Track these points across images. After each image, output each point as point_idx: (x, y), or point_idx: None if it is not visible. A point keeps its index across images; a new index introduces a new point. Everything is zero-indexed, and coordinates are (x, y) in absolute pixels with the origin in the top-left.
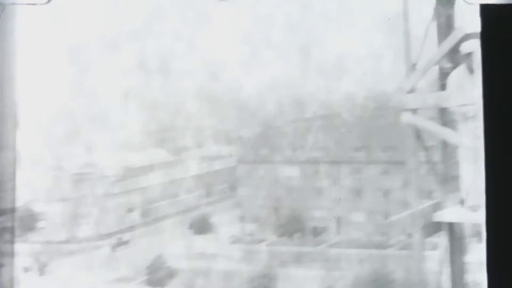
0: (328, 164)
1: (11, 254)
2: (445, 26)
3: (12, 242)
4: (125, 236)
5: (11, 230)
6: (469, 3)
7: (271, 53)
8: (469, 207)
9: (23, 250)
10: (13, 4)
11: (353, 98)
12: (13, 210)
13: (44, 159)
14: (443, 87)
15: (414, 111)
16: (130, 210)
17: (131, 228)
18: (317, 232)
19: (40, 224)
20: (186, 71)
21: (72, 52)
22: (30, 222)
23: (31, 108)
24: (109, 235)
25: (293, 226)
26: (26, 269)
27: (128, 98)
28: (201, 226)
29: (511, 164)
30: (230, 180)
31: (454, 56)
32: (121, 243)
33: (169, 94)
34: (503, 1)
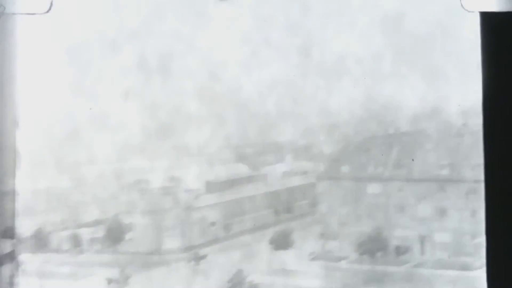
0: (412, 182)
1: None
2: None
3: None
4: (206, 250)
5: (101, 240)
6: (468, 11)
7: (271, 53)
8: None
9: (111, 261)
10: (13, 13)
11: (439, 113)
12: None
13: (126, 174)
14: None
15: None
16: (212, 224)
17: (213, 242)
18: (400, 251)
19: (128, 235)
20: (186, 71)
21: (72, 52)
22: (118, 233)
23: (31, 108)
24: (192, 248)
25: (375, 245)
26: (109, 281)
27: (128, 98)
28: (282, 242)
29: (511, 164)
30: (311, 197)
31: None
32: (201, 256)
33: (169, 94)
34: (503, 9)
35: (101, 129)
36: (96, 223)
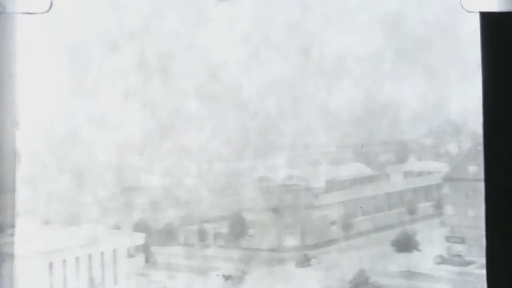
0: None
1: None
2: None
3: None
4: (326, 249)
5: (224, 236)
6: (468, 11)
7: (271, 53)
8: None
9: (232, 256)
10: (13, 13)
11: None
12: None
13: (248, 171)
14: None
15: None
16: (333, 223)
17: (333, 241)
18: None
19: (250, 231)
20: (186, 71)
21: (72, 52)
22: (241, 229)
23: (31, 108)
24: (312, 247)
25: None
26: (226, 277)
27: (128, 98)
28: (405, 244)
29: (511, 165)
30: (436, 198)
31: None
32: (321, 255)
33: (169, 94)
34: (503, 9)
35: (101, 129)
36: (220, 219)
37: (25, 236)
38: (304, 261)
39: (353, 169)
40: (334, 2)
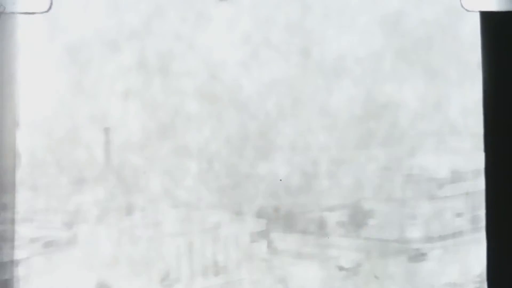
0: None
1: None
2: None
3: None
4: (451, 241)
5: (344, 225)
6: (468, 11)
7: (271, 53)
8: None
9: (349, 246)
10: (13, 12)
11: None
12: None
13: (374, 159)
14: None
15: None
16: (458, 215)
17: (459, 234)
18: None
19: (370, 221)
20: (186, 71)
21: (72, 52)
22: (361, 219)
23: (31, 108)
24: (435, 239)
25: None
26: (340, 268)
27: (128, 98)
28: None
29: (511, 165)
30: None
31: None
32: (445, 248)
33: (169, 94)
34: (503, 8)
35: (101, 129)
36: (340, 207)
37: (154, 219)
38: (424, 254)
39: (480, 159)
40: (334, 2)
